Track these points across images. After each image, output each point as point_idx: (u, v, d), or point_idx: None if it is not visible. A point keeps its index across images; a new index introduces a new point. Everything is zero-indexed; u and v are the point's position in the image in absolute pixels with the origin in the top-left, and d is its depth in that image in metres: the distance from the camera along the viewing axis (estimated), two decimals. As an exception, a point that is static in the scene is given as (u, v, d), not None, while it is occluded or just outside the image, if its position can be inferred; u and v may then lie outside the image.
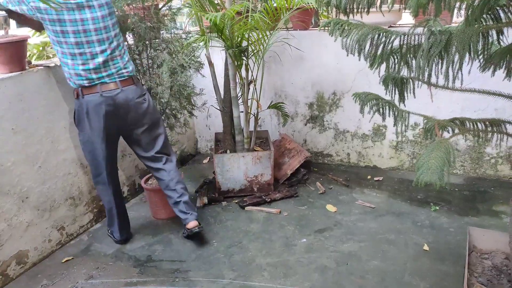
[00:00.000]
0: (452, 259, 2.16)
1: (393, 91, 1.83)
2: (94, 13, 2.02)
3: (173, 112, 2.75)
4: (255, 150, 3.04)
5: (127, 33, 2.43)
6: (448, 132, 1.72)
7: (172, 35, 2.59)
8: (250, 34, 2.63)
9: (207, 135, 3.85)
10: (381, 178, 3.17)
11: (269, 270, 2.19)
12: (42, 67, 2.30)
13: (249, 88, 2.90)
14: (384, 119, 1.71)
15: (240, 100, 2.96)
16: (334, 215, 2.69)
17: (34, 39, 3.39)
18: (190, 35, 2.75)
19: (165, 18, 2.55)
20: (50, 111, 2.34)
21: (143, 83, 2.44)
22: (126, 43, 2.38)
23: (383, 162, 3.34)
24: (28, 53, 3.25)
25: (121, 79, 2.14)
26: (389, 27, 2.97)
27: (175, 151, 3.46)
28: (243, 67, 2.80)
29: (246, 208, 2.84)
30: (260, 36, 2.60)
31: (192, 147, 3.89)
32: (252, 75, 2.88)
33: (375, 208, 2.75)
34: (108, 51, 2.09)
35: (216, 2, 2.70)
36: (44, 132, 2.32)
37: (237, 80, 2.87)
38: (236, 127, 3.00)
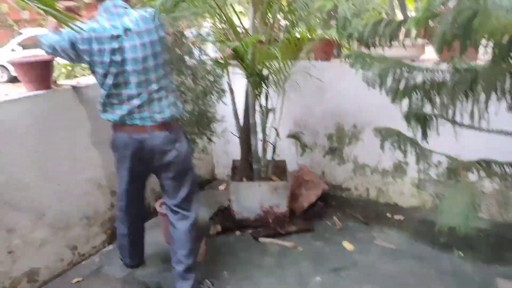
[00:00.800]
0: (477, 310, 2.01)
1: (416, 127, 1.77)
2: (134, 54, 1.88)
3: (192, 137, 2.76)
4: (272, 180, 2.99)
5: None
6: (473, 173, 1.64)
7: (198, 61, 2.64)
8: (271, 63, 2.65)
9: (225, 161, 3.84)
10: (401, 217, 3.04)
11: (279, 308, 2.09)
12: (67, 87, 2.37)
13: (268, 117, 2.89)
14: (405, 156, 1.64)
15: (259, 128, 2.94)
16: (351, 254, 2.58)
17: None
18: (214, 62, 2.80)
19: (193, 45, 2.61)
20: (72, 130, 2.39)
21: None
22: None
23: (404, 200, 3.21)
24: (56, 72, 3.39)
25: (153, 123, 1.97)
26: (411, 61, 2.93)
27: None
28: (263, 95, 2.81)
29: (260, 239, 2.76)
30: (281, 65, 2.61)
31: (209, 172, 3.88)
32: (272, 103, 2.88)
33: (395, 249, 2.62)
34: (146, 95, 1.94)
35: (240, 31, 2.74)
36: (65, 151, 2.36)
37: (256, 108, 2.87)
38: (254, 155, 2.98)
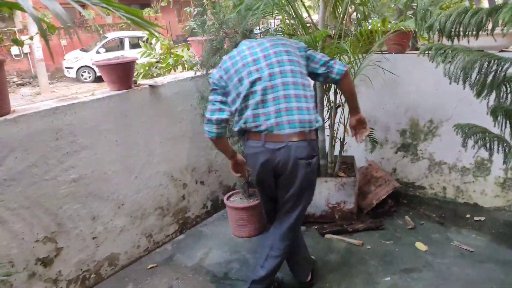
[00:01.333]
0: None
1: (503, 123, 1.61)
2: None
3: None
4: (339, 176, 2.93)
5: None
6: None
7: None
8: (342, 57, 2.58)
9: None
10: (482, 218, 2.81)
11: (347, 307, 2.05)
12: (146, 86, 2.52)
13: (336, 112, 2.82)
14: (491, 155, 1.51)
15: (326, 124, 2.89)
16: (424, 255, 2.44)
17: (142, 59, 3.76)
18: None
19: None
20: (148, 127, 2.54)
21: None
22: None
23: (486, 201, 2.95)
24: (136, 72, 3.63)
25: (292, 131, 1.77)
26: (499, 51, 2.67)
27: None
28: (332, 90, 2.75)
29: (326, 235, 2.73)
30: (352, 59, 2.53)
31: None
32: (340, 99, 2.80)
33: (474, 252, 2.43)
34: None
35: (308, 25, 2.70)
36: (142, 146, 2.52)
37: (324, 104, 2.82)
38: (321, 151, 2.93)
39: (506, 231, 2.62)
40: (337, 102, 2.81)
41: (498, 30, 1.34)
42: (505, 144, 1.46)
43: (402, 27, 2.38)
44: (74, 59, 13.13)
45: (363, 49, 2.55)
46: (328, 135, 2.90)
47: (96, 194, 2.29)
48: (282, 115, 1.76)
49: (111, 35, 13.95)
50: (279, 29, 2.79)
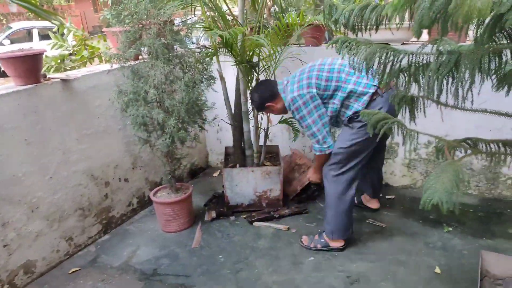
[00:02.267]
0: (465, 284, 2.09)
1: (404, 109, 1.80)
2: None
3: (184, 126, 2.77)
4: (265, 165, 3.03)
5: (141, 48, 2.48)
6: (460, 153, 1.68)
7: (186, 50, 2.63)
8: (261, 50, 2.65)
9: (218, 148, 3.86)
10: (393, 197, 3.11)
11: (275, 289, 2.15)
12: (57, 80, 2.35)
13: (259, 103, 2.90)
14: (392, 137, 1.68)
15: (251, 115, 2.96)
16: (343, 234, 2.64)
17: (53, 52, 3.49)
18: (203, 50, 2.78)
19: (181, 33, 2.59)
20: (63, 123, 2.38)
21: (157, 100, 2.42)
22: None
23: (395, 180, 3.27)
24: (46, 65, 3.36)
25: None
26: (401, 44, 2.95)
27: (185, 164, 3.48)
28: (254, 82, 2.81)
29: (254, 223, 2.81)
30: (272, 51, 2.61)
31: (203, 160, 3.90)
32: (263, 90, 2.88)
33: (386, 227, 2.69)
34: None
35: (229, 18, 2.73)
36: (57, 144, 2.36)
37: (248, 95, 2.88)
38: (246, 141, 3.00)
39: (412, 207, 2.93)
40: (260, 93, 2.88)
41: (405, 24, 1.49)
42: (403, 127, 1.64)
43: (315, 21, 2.51)
44: (-27, 52, 11.68)
45: (281, 42, 2.64)
46: (252, 126, 2.97)
47: (5, 198, 2.10)
48: None
49: (17, 25, 12.64)
50: (200, 20, 2.77)
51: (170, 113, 2.47)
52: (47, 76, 2.38)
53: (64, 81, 2.37)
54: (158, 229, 2.80)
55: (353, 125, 2.22)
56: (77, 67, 3.40)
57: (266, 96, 2.39)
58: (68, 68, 3.45)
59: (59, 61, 3.43)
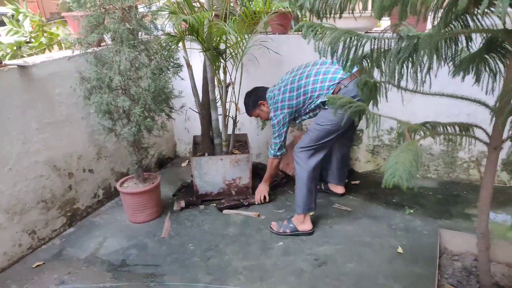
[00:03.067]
0: (425, 261, 2.20)
1: (367, 94, 1.85)
2: None
3: (151, 114, 2.71)
4: (234, 153, 3.04)
5: (105, 34, 2.40)
6: (420, 136, 1.75)
7: (151, 36, 2.57)
8: (228, 37, 2.64)
9: (186, 138, 3.82)
10: (358, 182, 3.21)
11: (245, 274, 2.17)
12: (13, 67, 2.24)
13: (227, 91, 2.90)
14: (356, 122, 1.73)
15: (219, 103, 2.95)
16: (311, 219, 2.69)
17: (8, 38, 3.31)
18: (169, 37, 2.73)
19: (145, 19, 2.53)
20: (21, 111, 2.28)
21: (122, 87, 2.37)
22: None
23: (360, 166, 3.38)
24: (0, 53, 3.18)
25: None
26: (365, 32, 3.02)
27: (152, 153, 3.43)
28: (221, 69, 2.80)
29: (224, 211, 2.82)
30: (239, 39, 2.60)
31: (171, 150, 3.86)
32: (230, 77, 2.88)
33: (351, 211, 2.78)
34: None
35: (194, 4, 2.69)
36: (15, 133, 2.26)
37: (215, 83, 2.86)
38: (215, 130, 2.99)
39: (376, 191, 3.04)
40: (227, 81, 2.88)
41: (358, 13, 1.52)
42: (367, 112, 1.69)
43: (281, 8, 2.52)
44: None
45: (248, 29, 2.64)
46: (220, 114, 2.96)
47: (-41, 191, 2.00)
48: None
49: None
50: (166, 6, 2.71)
51: (136, 100, 2.41)
52: (3, 63, 2.26)
53: (21, 67, 2.26)
54: (126, 220, 2.76)
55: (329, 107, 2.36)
56: (35, 54, 3.25)
57: (260, 96, 2.74)
58: (25, 55, 3.28)
59: (15, 48, 3.25)
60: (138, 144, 2.64)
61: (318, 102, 2.44)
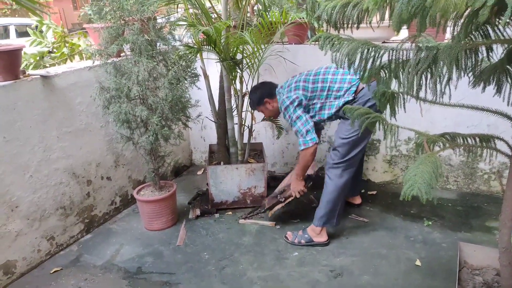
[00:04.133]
0: (444, 275, 2.15)
1: (384, 105, 1.84)
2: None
3: (168, 123, 2.75)
4: (249, 162, 3.04)
5: (124, 45, 2.45)
6: (439, 147, 1.73)
7: (169, 47, 2.62)
8: (245, 47, 2.66)
9: (202, 146, 3.85)
10: (374, 192, 3.16)
11: (260, 284, 2.16)
12: (37, 77, 2.30)
13: (243, 100, 2.91)
14: (374, 134, 1.72)
15: (235, 112, 2.97)
16: (327, 229, 2.67)
17: (31, 49, 3.41)
18: (187, 48, 2.77)
19: (163, 30, 2.57)
20: (43, 120, 2.34)
21: (140, 96, 2.42)
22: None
23: (377, 176, 3.33)
24: (24, 63, 3.28)
25: None
26: (382, 42, 3.00)
27: (169, 162, 3.46)
28: (238, 79, 2.82)
29: (240, 220, 2.82)
30: (255, 49, 2.62)
31: (187, 158, 3.89)
32: (247, 87, 2.90)
33: (368, 222, 2.74)
34: None
35: (212, 16, 2.73)
36: (37, 141, 2.31)
37: (231, 92, 2.89)
38: (230, 139, 3.01)
39: (393, 202, 2.99)
40: (243, 90, 2.90)
41: (376, 23, 1.52)
42: (384, 122, 1.68)
43: (297, 18, 2.53)
44: None
45: (265, 40, 2.66)
46: (236, 123, 2.98)
47: (-18, 197, 2.05)
48: None
49: (-6, 20, 12.28)
50: (183, 18, 2.76)
51: (154, 110, 2.45)
52: (27, 73, 2.33)
53: (44, 77, 2.33)
54: (142, 228, 2.78)
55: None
56: (57, 64, 3.34)
57: (266, 93, 2.58)
58: (47, 65, 3.38)
59: (38, 58, 3.36)
60: (155, 153, 2.67)
61: (337, 98, 2.33)
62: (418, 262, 2.27)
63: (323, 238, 2.48)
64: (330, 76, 2.36)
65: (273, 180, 3.24)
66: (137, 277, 2.27)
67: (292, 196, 2.68)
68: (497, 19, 1.37)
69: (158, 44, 2.53)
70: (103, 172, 2.82)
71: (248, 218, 2.83)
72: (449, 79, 1.45)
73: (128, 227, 2.81)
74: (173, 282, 2.20)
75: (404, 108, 1.74)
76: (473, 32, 1.46)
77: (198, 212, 2.91)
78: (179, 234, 2.67)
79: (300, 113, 2.37)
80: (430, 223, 2.67)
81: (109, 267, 2.36)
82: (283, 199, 2.76)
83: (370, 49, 1.51)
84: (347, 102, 2.30)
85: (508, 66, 1.59)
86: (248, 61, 2.76)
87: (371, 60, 1.54)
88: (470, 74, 1.63)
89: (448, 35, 3.06)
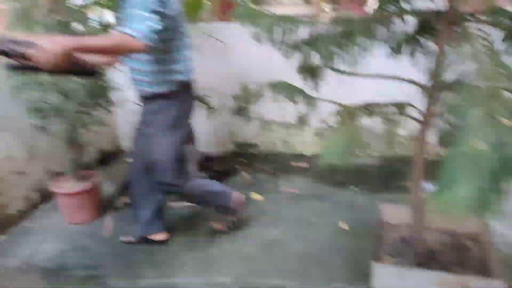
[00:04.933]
0: (368, 235, 2.27)
1: (308, 78, 1.86)
2: None
3: (87, 109, 2.55)
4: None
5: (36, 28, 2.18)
6: (360, 117, 1.79)
7: (87, 27, 2.39)
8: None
9: (130, 132, 3.64)
10: (305, 164, 3.26)
11: (193, 265, 2.13)
12: None
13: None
14: (295, 104, 1.74)
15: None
16: (259, 204, 2.71)
17: None
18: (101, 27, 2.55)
19: (79, 10, 2.35)
20: None
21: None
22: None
23: (308, 149, 3.43)
24: None
25: None
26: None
27: (92, 150, 3.25)
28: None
29: (172, 204, 2.73)
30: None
31: (114, 145, 3.67)
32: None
33: (298, 193, 2.82)
34: None
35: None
36: None
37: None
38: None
39: (322, 172, 3.10)
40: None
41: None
42: (304, 95, 1.70)
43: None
44: None
45: (190, 18, 2.54)
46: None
47: None
48: None
49: None
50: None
51: (69, 96, 2.25)
52: None
53: None
54: (64, 223, 2.58)
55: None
56: None
57: None
58: None
59: None
60: (74, 142, 2.47)
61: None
62: (345, 226, 2.40)
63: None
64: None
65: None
66: (59, 274, 2.10)
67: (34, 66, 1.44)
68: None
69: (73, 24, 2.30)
70: (15, 167, 2.55)
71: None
72: (364, 49, 1.49)
73: (49, 224, 2.59)
74: (101, 275, 2.08)
75: (326, 81, 1.77)
76: (389, 5, 1.52)
77: (126, 200, 2.77)
78: (105, 224, 2.52)
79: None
80: (356, 188, 2.83)
81: (26, 267, 2.16)
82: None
83: (289, 23, 1.50)
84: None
85: (419, 36, 1.69)
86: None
87: (291, 34, 1.54)
88: (386, 45, 1.71)
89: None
